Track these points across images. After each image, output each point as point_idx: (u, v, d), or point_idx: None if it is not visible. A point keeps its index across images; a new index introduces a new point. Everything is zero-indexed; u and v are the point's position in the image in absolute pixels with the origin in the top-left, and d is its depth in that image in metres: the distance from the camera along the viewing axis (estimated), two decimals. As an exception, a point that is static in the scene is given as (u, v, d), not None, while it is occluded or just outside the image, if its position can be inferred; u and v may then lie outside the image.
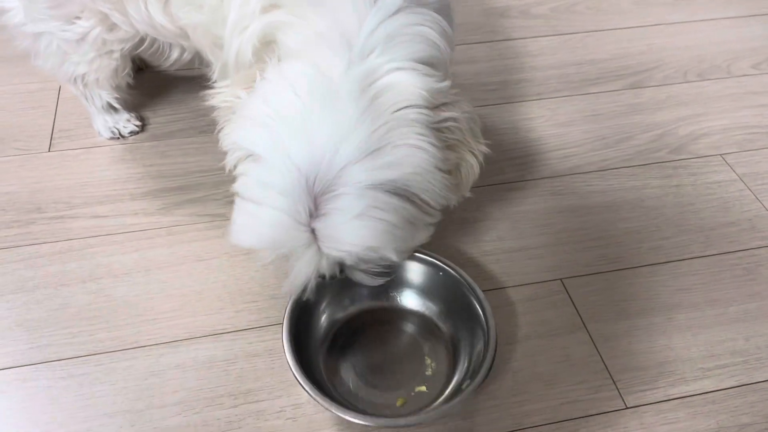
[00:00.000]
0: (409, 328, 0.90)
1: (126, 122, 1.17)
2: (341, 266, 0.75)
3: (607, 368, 0.88)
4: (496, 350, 0.80)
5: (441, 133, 0.70)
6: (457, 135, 0.72)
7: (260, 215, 0.67)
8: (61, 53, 1.01)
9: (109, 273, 0.96)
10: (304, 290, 0.74)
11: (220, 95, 0.76)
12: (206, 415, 0.82)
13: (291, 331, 0.80)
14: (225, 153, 0.73)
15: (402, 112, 0.66)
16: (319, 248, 0.68)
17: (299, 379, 0.75)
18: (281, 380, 0.85)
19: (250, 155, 0.68)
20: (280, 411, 0.83)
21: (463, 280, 0.86)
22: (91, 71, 1.04)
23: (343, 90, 0.65)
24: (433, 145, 0.67)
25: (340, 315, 0.90)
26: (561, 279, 0.99)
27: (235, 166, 0.72)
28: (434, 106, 0.69)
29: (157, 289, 0.95)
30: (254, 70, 0.72)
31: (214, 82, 0.92)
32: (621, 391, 0.86)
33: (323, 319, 0.88)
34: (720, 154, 1.20)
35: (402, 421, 0.76)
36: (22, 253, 0.98)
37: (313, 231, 0.66)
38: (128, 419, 0.81)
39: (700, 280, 1.00)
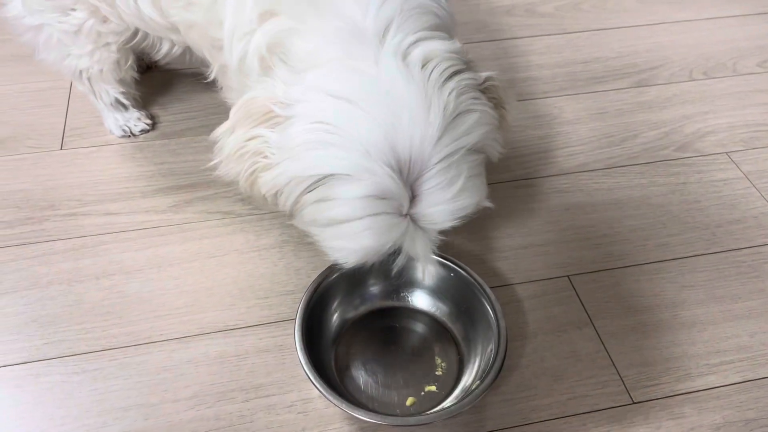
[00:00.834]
0: (420, 328, 0.91)
1: (137, 120, 1.18)
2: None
3: (613, 364, 0.89)
4: (506, 351, 0.81)
5: (486, 94, 0.72)
6: (494, 94, 0.74)
7: (367, 228, 0.65)
8: (62, 46, 1.02)
9: (122, 269, 0.98)
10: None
11: (227, 145, 0.71)
12: (218, 409, 0.83)
13: (303, 329, 0.81)
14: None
15: (453, 80, 0.67)
16: (424, 230, 0.68)
17: (311, 377, 0.76)
18: (292, 375, 0.86)
19: (323, 182, 0.65)
20: (291, 405, 0.84)
21: (474, 281, 0.87)
22: (93, 64, 1.05)
23: (389, 77, 0.64)
24: (489, 106, 0.71)
25: (351, 314, 0.91)
26: (568, 276, 1.00)
27: (296, 202, 0.68)
28: (469, 66, 0.71)
29: (170, 286, 0.96)
30: (260, 102, 0.68)
31: (214, 83, 0.93)
32: (627, 386, 0.87)
33: (335, 317, 0.90)
34: (726, 152, 1.21)
35: (412, 419, 0.77)
36: (37, 249, 1.00)
37: (412, 216, 0.66)
38: (142, 413, 0.83)
39: (705, 277, 1.00)
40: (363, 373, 0.86)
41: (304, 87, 0.66)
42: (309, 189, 0.66)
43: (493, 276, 0.98)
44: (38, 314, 0.92)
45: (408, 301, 0.92)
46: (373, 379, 0.85)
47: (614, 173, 1.16)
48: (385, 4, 0.68)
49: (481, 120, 0.68)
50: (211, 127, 0.74)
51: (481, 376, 0.79)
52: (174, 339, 0.90)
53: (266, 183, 0.68)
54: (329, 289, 0.87)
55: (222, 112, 0.79)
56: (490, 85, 0.74)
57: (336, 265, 0.74)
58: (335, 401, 0.75)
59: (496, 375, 0.78)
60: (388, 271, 0.85)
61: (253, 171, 0.69)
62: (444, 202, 0.66)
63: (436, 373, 0.86)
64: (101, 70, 1.07)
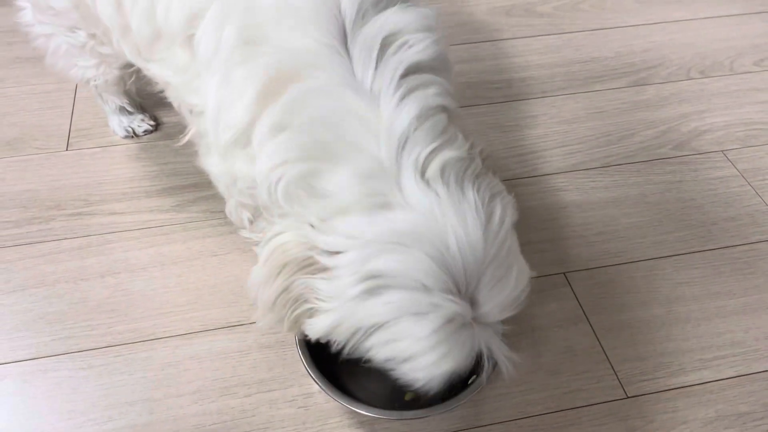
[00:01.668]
0: None
1: (140, 122, 1.20)
2: None
3: (608, 359, 0.91)
4: None
5: (485, 166, 0.74)
6: (488, 161, 0.75)
7: (444, 354, 0.64)
8: (70, 56, 1.04)
9: (127, 268, 1.00)
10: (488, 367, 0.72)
11: (266, 293, 0.69)
12: (221, 404, 0.85)
13: None
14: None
15: (469, 178, 0.68)
16: (487, 325, 0.67)
17: (310, 372, 0.78)
18: (293, 371, 0.88)
19: (380, 326, 0.65)
20: (292, 400, 0.86)
21: None
22: (98, 76, 1.07)
23: (416, 201, 0.64)
24: (495, 182, 0.72)
25: None
26: (564, 273, 1.01)
27: (355, 346, 0.68)
28: (470, 158, 0.71)
29: (173, 283, 0.98)
30: (295, 248, 0.67)
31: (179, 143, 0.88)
32: (622, 381, 0.89)
33: None
34: (722, 150, 1.22)
35: (410, 413, 0.79)
36: (43, 248, 1.02)
37: (476, 320, 0.66)
38: (147, 407, 0.85)
39: (700, 273, 1.02)
40: (362, 368, 0.87)
41: (339, 236, 0.65)
42: (370, 333, 0.65)
43: (491, 273, 1.00)
44: (46, 311, 0.94)
45: None
46: (373, 374, 0.87)
47: (611, 172, 1.18)
48: (396, 121, 0.65)
49: (504, 202, 0.69)
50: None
51: (478, 371, 0.81)
52: (177, 335, 0.92)
53: (315, 329, 0.68)
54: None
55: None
56: (483, 156, 0.75)
57: None
58: (334, 396, 0.77)
59: (492, 368, 0.79)
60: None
61: (298, 316, 0.69)
62: (504, 297, 0.66)
63: None
64: (106, 81, 1.09)
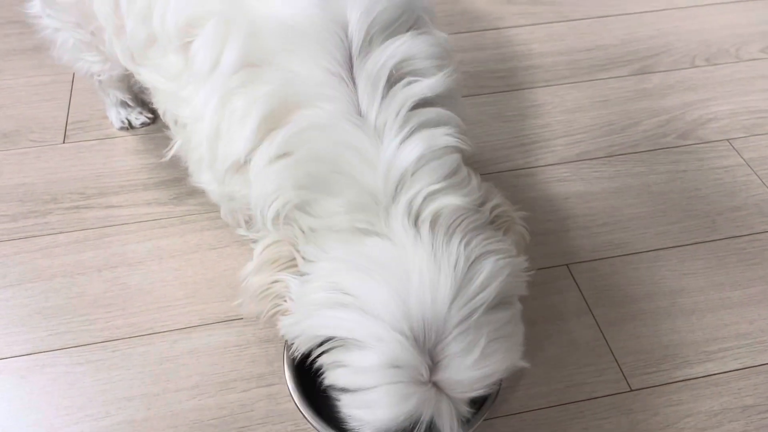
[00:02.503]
0: None
1: (138, 114, 1.19)
2: None
3: (611, 352, 0.90)
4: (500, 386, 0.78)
5: (494, 224, 0.70)
6: (504, 217, 0.71)
7: (380, 400, 0.61)
8: (77, 51, 1.03)
9: (124, 261, 0.99)
10: None
11: (252, 285, 0.69)
12: (220, 398, 0.84)
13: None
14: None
15: (461, 229, 0.64)
16: (449, 398, 0.62)
17: (293, 395, 0.76)
18: (292, 365, 0.87)
19: (340, 345, 0.63)
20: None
21: None
22: (104, 71, 1.05)
23: (400, 240, 0.62)
24: (500, 240, 0.66)
25: None
26: (567, 264, 1.00)
27: (310, 353, 0.66)
28: (474, 209, 0.68)
29: (171, 277, 0.97)
30: (286, 248, 0.68)
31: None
32: (625, 373, 0.88)
33: None
34: (727, 139, 1.20)
35: None
36: (40, 242, 1.01)
37: (436, 384, 0.61)
38: (145, 403, 0.84)
39: (705, 264, 1.00)
40: None
41: (318, 248, 0.65)
42: (324, 349, 0.64)
43: (492, 265, 0.99)
44: (42, 306, 0.93)
45: None
46: None
47: (615, 161, 1.16)
48: (398, 157, 0.63)
49: (498, 265, 0.63)
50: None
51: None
52: (175, 330, 0.91)
53: (284, 327, 0.68)
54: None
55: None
56: (498, 212, 0.71)
57: None
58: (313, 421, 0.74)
59: (491, 404, 0.76)
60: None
61: (275, 313, 0.69)
62: (466, 369, 0.61)
63: None
64: (111, 77, 1.08)
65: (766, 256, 1.02)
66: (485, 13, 1.49)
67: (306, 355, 0.66)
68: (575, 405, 0.85)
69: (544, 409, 0.84)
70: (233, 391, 0.85)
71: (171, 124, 0.83)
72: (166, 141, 1.16)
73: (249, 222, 0.85)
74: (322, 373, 0.65)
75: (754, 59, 1.36)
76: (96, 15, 0.86)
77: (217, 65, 0.67)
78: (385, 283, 0.60)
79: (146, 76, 0.81)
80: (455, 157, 0.68)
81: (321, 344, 0.64)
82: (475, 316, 0.60)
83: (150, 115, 1.20)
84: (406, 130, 0.64)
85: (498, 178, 1.12)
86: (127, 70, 1.02)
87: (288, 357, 0.79)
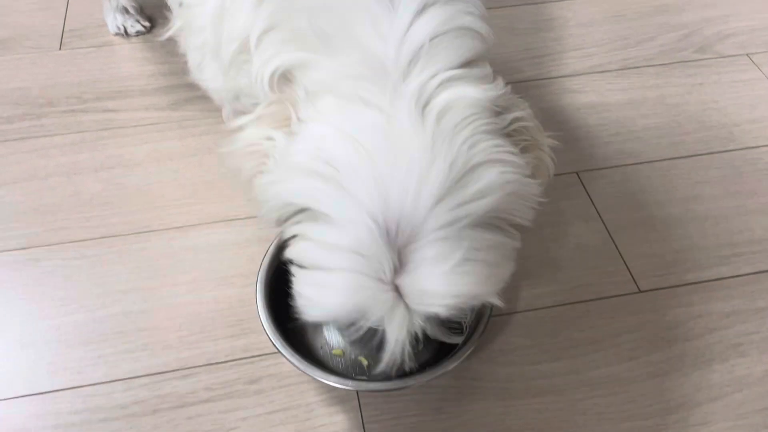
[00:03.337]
0: None
1: (134, 22, 1.16)
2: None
3: (621, 255, 0.87)
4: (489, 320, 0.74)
5: (512, 138, 0.61)
6: (526, 135, 0.63)
7: (335, 283, 0.55)
8: None
9: (121, 163, 0.97)
10: (402, 360, 0.61)
11: (244, 136, 0.63)
12: (218, 293, 0.83)
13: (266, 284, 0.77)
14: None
15: (470, 128, 0.56)
16: (407, 306, 0.56)
17: (277, 346, 0.71)
18: (292, 263, 0.85)
19: (308, 215, 0.57)
20: (291, 291, 0.83)
21: None
22: None
23: (401, 122, 0.55)
24: (513, 153, 0.58)
25: None
26: (577, 172, 0.97)
27: (283, 221, 0.60)
28: (497, 113, 0.60)
29: (169, 179, 0.95)
30: (286, 106, 0.61)
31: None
32: (634, 275, 0.85)
33: None
34: (747, 54, 1.15)
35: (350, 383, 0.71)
36: (36, 144, 0.99)
37: (397, 288, 0.55)
38: (141, 296, 0.82)
39: (720, 173, 0.97)
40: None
41: (314, 110, 0.58)
42: (292, 219, 0.59)
43: (500, 171, 0.96)
44: (38, 204, 0.91)
45: None
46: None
47: (629, 74, 1.12)
48: (411, 31, 0.57)
49: (501, 177, 0.56)
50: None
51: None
52: (173, 228, 0.89)
53: (260, 186, 0.61)
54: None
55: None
56: (519, 127, 0.62)
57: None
58: (292, 360, 0.70)
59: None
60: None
61: (258, 173, 0.62)
62: (432, 279, 0.54)
63: None
64: None
65: (783, 167, 0.98)
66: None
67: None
68: (582, 304, 0.82)
69: (550, 308, 0.82)
70: (232, 286, 0.83)
71: (174, 6, 0.79)
72: (165, 50, 1.14)
73: None
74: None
75: (777, -24, 1.31)
76: None
77: None
78: (372, 164, 0.54)
79: None
80: (477, 44, 0.61)
81: (292, 215, 0.58)
82: (458, 226, 0.54)
83: (146, 24, 1.17)
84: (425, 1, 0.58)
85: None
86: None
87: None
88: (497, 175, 0.55)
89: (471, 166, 0.54)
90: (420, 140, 0.54)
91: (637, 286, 0.84)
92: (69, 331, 0.79)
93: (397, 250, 0.53)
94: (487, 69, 0.62)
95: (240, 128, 0.63)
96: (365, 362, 0.76)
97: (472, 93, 0.57)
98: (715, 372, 0.77)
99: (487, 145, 0.56)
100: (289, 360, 0.70)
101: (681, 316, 0.81)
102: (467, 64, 0.60)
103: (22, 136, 1.00)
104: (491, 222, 0.57)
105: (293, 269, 0.58)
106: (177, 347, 0.78)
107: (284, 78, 0.63)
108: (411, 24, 0.57)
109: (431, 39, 0.57)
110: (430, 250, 0.53)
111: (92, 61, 1.12)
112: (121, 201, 0.92)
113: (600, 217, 0.92)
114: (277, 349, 0.71)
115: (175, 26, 0.80)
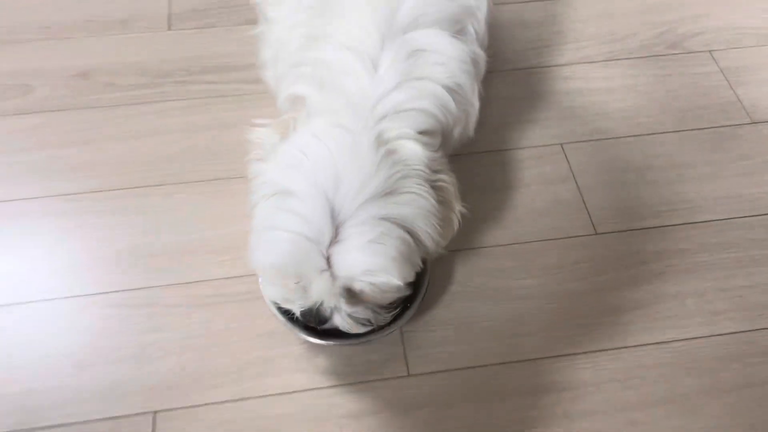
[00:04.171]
0: None
1: None
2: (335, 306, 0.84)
3: (586, 207, 1.20)
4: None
5: (435, 190, 0.83)
6: (446, 194, 0.85)
7: (284, 239, 0.75)
8: None
9: (222, 124, 1.29)
10: (311, 317, 0.85)
11: (257, 133, 0.88)
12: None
13: None
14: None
15: (407, 168, 0.80)
16: (332, 274, 0.76)
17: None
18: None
19: (279, 192, 0.79)
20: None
21: None
22: None
23: (363, 144, 0.78)
24: (432, 196, 0.81)
25: None
26: (561, 144, 1.29)
27: (256, 202, 0.83)
28: (431, 170, 0.83)
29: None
30: (290, 119, 0.86)
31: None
32: (594, 222, 1.18)
33: None
34: (709, 50, 1.44)
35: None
36: (157, 107, 1.31)
37: (328, 258, 0.75)
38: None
39: (670, 149, 1.28)
40: None
41: (308, 125, 0.83)
42: (266, 196, 0.80)
43: (500, 142, 1.28)
44: (160, 154, 1.25)
45: None
46: None
47: (611, 65, 1.42)
48: (387, 98, 0.84)
49: (416, 202, 0.79)
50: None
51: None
52: (263, 174, 1.23)
53: (253, 169, 0.86)
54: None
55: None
56: (441, 185, 0.84)
57: None
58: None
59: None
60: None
61: (254, 158, 0.87)
62: (353, 252, 0.74)
63: None
64: None
65: (722, 145, 1.29)
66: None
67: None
68: (553, 241, 1.16)
69: (529, 242, 1.15)
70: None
71: (263, 15, 1.12)
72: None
73: None
74: None
75: (747, -19, 1.57)
76: None
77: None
78: (334, 162, 0.76)
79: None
80: (431, 122, 0.87)
81: (272, 194, 0.80)
82: (378, 218, 0.75)
83: None
84: (404, 79, 0.85)
85: (513, 74, 1.39)
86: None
87: None
88: (414, 197, 0.79)
89: (398, 187, 0.78)
90: (371, 160, 0.77)
91: (595, 229, 1.17)
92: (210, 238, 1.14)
93: (335, 226, 0.75)
94: (436, 140, 0.89)
95: (260, 125, 0.90)
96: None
97: (416, 149, 0.82)
98: (641, 290, 1.11)
99: (415, 181, 0.80)
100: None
101: (623, 252, 1.15)
102: (421, 132, 0.86)
103: (147, 101, 1.33)
104: (404, 225, 0.79)
105: (252, 232, 0.82)
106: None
107: (300, 100, 0.91)
108: (388, 94, 0.84)
109: (397, 112, 0.84)
110: (356, 229, 0.75)
111: (196, 40, 1.43)
112: (225, 153, 1.26)
113: (575, 179, 1.24)
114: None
115: (258, 30, 1.14)
